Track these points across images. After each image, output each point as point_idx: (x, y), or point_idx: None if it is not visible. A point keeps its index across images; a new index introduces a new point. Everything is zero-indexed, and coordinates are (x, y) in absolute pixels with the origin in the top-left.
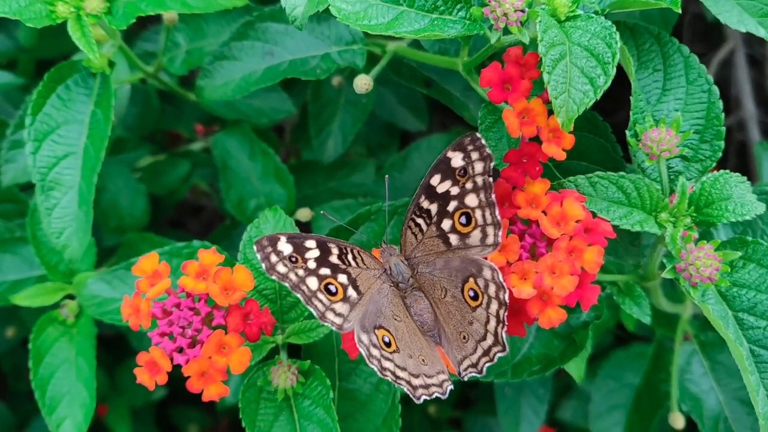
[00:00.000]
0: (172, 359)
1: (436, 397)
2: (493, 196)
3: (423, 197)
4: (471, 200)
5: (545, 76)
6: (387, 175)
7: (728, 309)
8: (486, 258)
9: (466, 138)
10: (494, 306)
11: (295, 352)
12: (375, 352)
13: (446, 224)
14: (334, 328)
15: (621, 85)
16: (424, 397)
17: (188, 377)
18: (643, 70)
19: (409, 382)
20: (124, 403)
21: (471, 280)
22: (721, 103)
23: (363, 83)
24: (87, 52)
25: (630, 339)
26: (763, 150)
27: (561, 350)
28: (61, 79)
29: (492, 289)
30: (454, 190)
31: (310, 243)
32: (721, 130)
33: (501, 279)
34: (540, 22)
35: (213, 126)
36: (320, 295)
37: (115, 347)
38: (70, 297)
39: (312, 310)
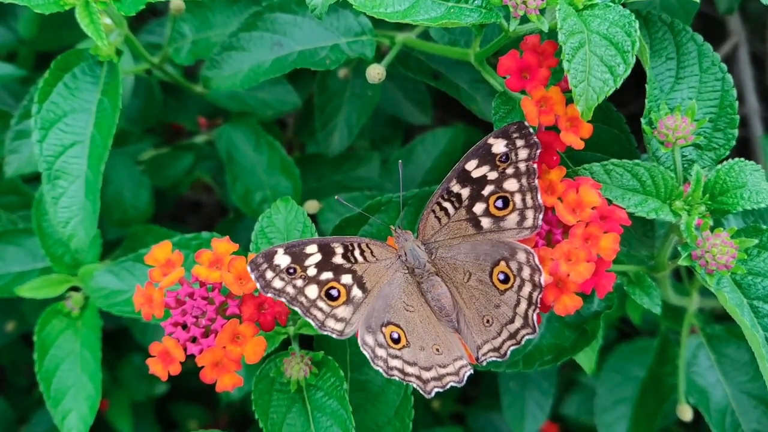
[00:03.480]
0: (185, 349)
1: (451, 386)
2: (537, 181)
3: (454, 181)
4: (511, 185)
5: (565, 65)
6: (400, 161)
7: (743, 297)
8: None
9: (511, 126)
10: (527, 289)
11: (306, 343)
12: (381, 352)
13: (479, 208)
14: (334, 336)
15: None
16: (436, 389)
17: (194, 372)
18: (656, 59)
19: (419, 377)
20: (125, 397)
21: (502, 263)
22: (735, 92)
23: (376, 73)
24: (95, 39)
25: (633, 334)
26: None
27: (572, 340)
28: (67, 67)
29: (526, 272)
30: (492, 175)
31: (311, 248)
32: (735, 119)
33: (537, 262)
34: (559, 10)
35: (216, 119)
36: (320, 303)
37: (116, 341)
38: (75, 289)
39: (310, 320)
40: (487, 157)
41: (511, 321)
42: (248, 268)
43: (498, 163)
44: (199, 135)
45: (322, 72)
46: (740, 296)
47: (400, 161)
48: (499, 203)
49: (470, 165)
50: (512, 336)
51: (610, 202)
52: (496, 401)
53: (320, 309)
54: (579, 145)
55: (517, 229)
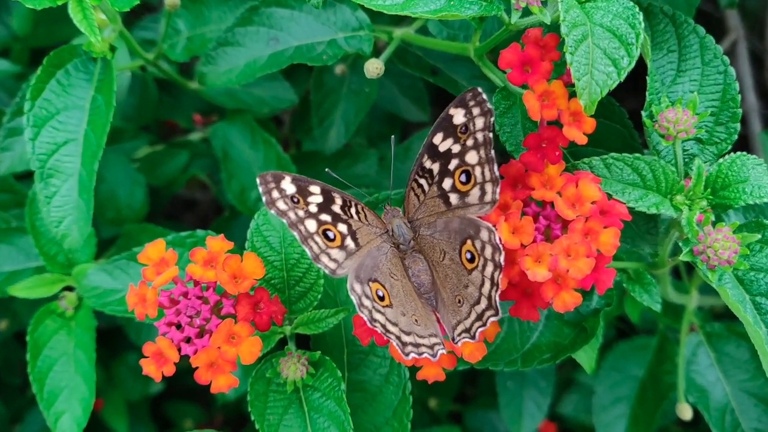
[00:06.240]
0: (179, 350)
1: (425, 357)
2: (493, 152)
3: (426, 157)
4: (471, 157)
5: (568, 57)
6: (393, 136)
7: (746, 293)
8: (484, 217)
9: (467, 93)
10: (489, 268)
11: (303, 342)
12: (366, 302)
13: (447, 183)
14: (326, 272)
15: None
16: (412, 354)
17: (190, 371)
18: (658, 51)
19: (398, 338)
20: (120, 397)
21: (468, 242)
22: (737, 85)
23: (374, 67)
24: (89, 35)
25: (632, 332)
26: None
27: (571, 338)
28: (60, 63)
29: (488, 250)
30: (456, 148)
31: (314, 188)
32: (737, 112)
33: (497, 240)
34: (561, 2)
35: (211, 116)
36: (317, 238)
37: (111, 340)
38: (69, 288)
39: (306, 249)
40: (449, 130)
41: (478, 302)
42: (257, 181)
43: (459, 134)
44: (194, 132)
45: (318, 68)
46: (742, 292)
47: (392, 137)
48: (463, 177)
49: (437, 139)
50: (479, 317)
51: (610, 196)
52: (494, 400)
53: (317, 243)
54: (582, 140)
55: (479, 204)
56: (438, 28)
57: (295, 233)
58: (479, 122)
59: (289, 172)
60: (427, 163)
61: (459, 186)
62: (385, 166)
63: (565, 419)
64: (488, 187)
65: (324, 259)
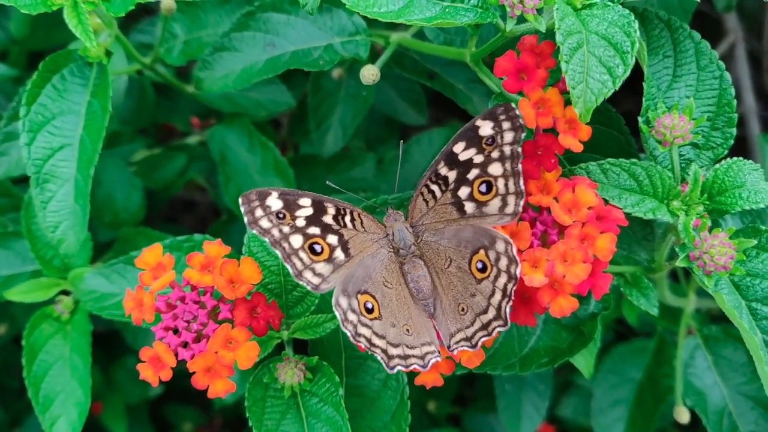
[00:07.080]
0: (176, 354)
1: (414, 368)
2: (520, 166)
3: (442, 164)
4: (495, 169)
5: (563, 66)
6: (402, 141)
7: (742, 299)
8: (500, 228)
9: (498, 108)
10: (503, 279)
11: (301, 347)
12: (352, 317)
13: (464, 192)
14: (309, 288)
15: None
16: (399, 367)
17: (188, 374)
18: (654, 57)
19: (384, 351)
20: (119, 400)
21: (481, 251)
22: (733, 90)
23: (370, 74)
24: (84, 39)
25: (630, 334)
26: (766, 142)
27: (569, 342)
28: (56, 68)
29: (503, 262)
30: (478, 158)
31: (305, 201)
32: (733, 117)
33: (514, 253)
34: (557, 10)
35: (209, 119)
36: (301, 254)
37: (109, 344)
38: (65, 293)
39: (288, 267)
40: (474, 140)
41: (485, 311)
42: (240, 201)
43: (484, 146)
44: (192, 135)
45: (316, 72)
46: (738, 298)
47: (401, 141)
48: (483, 188)
49: (458, 147)
50: (484, 327)
51: (606, 202)
52: (493, 403)
53: (301, 259)
54: (578, 147)
55: (499, 215)
56: (435, 32)
57: (278, 251)
58: (508, 136)
59: (276, 188)
60: (443, 170)
61: (477, 195)
62: (383, 169)
63: (564, 422)
64: (511, 199)
65: (307, 275)
